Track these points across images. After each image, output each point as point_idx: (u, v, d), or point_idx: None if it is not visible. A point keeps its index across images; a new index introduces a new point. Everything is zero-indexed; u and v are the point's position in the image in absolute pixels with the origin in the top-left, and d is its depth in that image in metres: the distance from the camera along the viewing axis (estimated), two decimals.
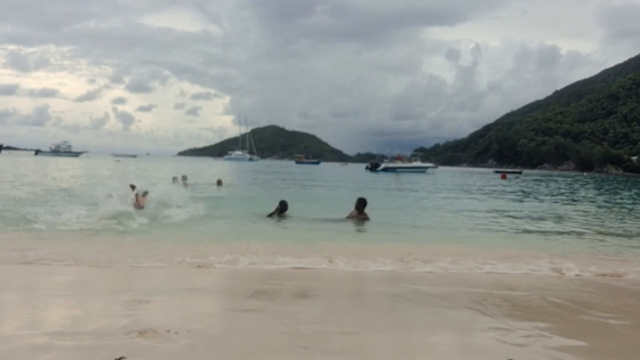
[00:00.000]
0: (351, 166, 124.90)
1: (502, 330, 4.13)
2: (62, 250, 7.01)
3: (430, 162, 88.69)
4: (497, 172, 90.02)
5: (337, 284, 5.75)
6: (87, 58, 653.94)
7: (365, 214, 11.28)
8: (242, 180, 31.09)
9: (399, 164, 73.92)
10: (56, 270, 5.98)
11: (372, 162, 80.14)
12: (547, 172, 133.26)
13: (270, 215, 11.51)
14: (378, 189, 27.17)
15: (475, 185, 36.89)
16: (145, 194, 12.33)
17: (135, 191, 12.21)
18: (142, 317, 4.17)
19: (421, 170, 72.16)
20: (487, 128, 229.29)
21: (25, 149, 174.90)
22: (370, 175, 55.37)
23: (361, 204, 11.38)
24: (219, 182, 21.60)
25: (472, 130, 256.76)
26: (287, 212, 11.65)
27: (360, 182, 34.75)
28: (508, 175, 72.03)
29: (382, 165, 72.91)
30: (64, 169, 38.72)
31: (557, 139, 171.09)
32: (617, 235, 11.39)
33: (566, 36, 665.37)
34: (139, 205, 11.99)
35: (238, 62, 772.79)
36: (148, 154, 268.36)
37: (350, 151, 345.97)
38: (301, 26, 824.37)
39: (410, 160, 77.28)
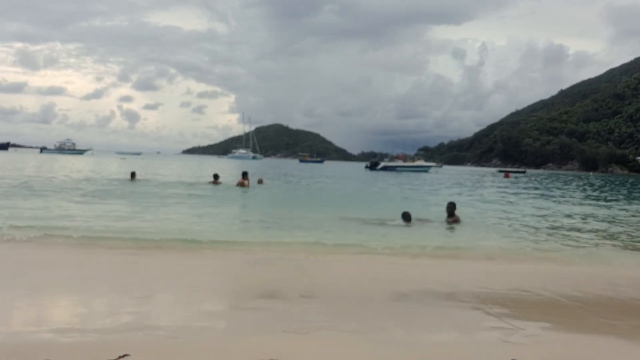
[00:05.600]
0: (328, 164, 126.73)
1: (506, 330, 4.13)
2: None
3: (434, 161, 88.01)
4: (500, 171, 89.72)
5: (343, 282, 5.76)
6: (92, 56, 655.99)
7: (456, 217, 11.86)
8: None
9: (399, 162, 73.20)
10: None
11: (372, 160, 79.61)
12: (551, 171, 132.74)
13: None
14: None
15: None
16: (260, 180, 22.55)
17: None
18: (146, 314, 4.19)
19: (423, 169, 71.51)
20: (492, 127, 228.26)
21: (31, 147, 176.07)
22: (369, 174, 55.41)
23: (449, 207, 12.00)
24: (260, 181, 22.88)
25: (477, 129, 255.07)
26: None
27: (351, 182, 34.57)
28: (511, 175, 71.78)
29: (381, 164, 72.15)
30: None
31: (562, 139, 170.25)
32: None
33: (573, 35, 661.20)
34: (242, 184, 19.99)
35: (244, 60, 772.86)
36: (158, 153, 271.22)
37: (354, 150, 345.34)
38: (307, 25, 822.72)
39: (413, 159, 76.73)
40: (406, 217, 11.65)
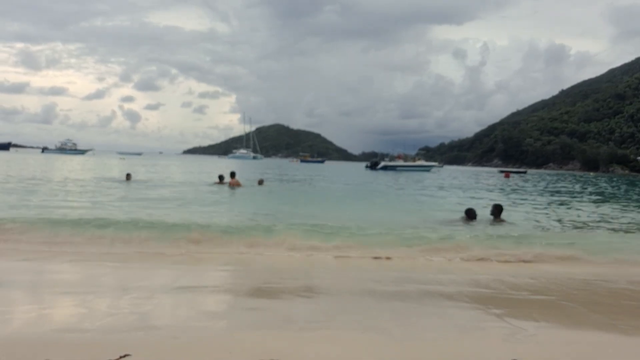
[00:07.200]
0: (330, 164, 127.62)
1: (507, 330, 4.12)
2: None
3: (435, 161, 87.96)
4: (501, 171, 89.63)
5: (343, 282, 5.76)
6: (94, 56, 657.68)
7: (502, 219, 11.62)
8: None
9: (399, 162, 73.10)
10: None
11: (372, 160, 79.68)
12: (553, 171, 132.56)
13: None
14: None
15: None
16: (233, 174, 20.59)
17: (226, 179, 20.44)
18: (146, 314, 4.19)
19: (425, 169, 71.43)
20: (493, 127, 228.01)
21: (32, 147, 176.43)
22: (369, 173, 55.43)
23: (497, 209, 11.79)
24: (260, 182, 23.27)
25: (478, 129, 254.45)
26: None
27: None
28: (512, 175, 71.68)
29: (382, 164, 72.07)
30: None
31: (562, 139, 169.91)
32: None
33: (574, 35, 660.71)
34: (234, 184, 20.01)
35: (245, 60, 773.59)
36: (161, 153, 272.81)
37: (355, 150, 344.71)
38: (309, 25, 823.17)
39: (414, 159, 76.66)
40: (471, 214, 11.11)
